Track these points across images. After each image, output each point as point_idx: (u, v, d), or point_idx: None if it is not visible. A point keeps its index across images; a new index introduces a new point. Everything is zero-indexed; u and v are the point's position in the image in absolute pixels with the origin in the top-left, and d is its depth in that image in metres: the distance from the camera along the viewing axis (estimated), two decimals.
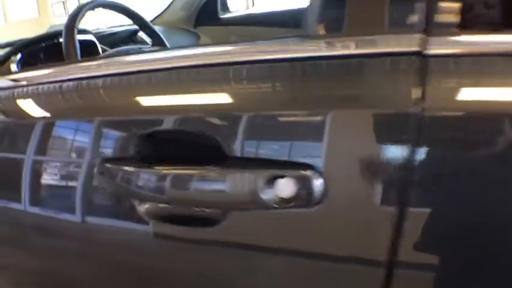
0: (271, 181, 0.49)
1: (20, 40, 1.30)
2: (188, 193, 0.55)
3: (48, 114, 0.73)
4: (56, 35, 1.24)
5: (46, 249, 0.73)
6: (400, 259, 0.46)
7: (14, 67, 1.17)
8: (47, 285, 0.76)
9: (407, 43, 0.47)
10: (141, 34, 1.57)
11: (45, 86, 0.72)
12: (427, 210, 0.45)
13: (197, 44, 1.69)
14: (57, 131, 0.70)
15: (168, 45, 1.45)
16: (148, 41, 1.56)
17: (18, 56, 1.19)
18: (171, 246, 0.60)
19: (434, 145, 0.45)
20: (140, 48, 1.37)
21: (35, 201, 0.71)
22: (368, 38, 0.50)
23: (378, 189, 0.47)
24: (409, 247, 0.45)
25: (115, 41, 1.55)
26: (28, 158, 0.70)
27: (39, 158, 0.70)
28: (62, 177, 0.68)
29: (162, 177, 0.57)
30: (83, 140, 0.66)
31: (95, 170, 0.62)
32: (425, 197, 0.45)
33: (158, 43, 1.44)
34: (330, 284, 0.51)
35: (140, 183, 0.58)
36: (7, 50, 1.23)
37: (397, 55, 0.47)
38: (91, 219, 0.67)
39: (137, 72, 0.64)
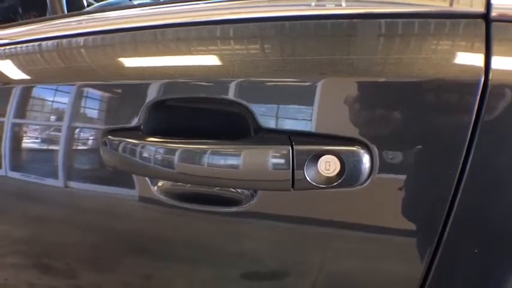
0: (313, 158, 0.44)
1: None
2: (220, 172, 0.48)
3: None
4: None
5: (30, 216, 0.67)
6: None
7: None
8: (31, 254, 0.70)
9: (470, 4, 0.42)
10: None
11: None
12: (488, 184, 0.42)
13: None
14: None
15: None
16: None
17: None
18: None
19: (498, 117, 0.41)
20: (130, 0, 1.25)
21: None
22: None
23: (436, 163, 0.43)
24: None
25: None
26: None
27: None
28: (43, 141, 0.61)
29: (186, 153, 0.49)
30: (89, 106, 0.59)
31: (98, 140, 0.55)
32: (486, 173, 0.42)
33: None
34: None
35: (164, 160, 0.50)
36: None
37: (459, 17, 0.42)
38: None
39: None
